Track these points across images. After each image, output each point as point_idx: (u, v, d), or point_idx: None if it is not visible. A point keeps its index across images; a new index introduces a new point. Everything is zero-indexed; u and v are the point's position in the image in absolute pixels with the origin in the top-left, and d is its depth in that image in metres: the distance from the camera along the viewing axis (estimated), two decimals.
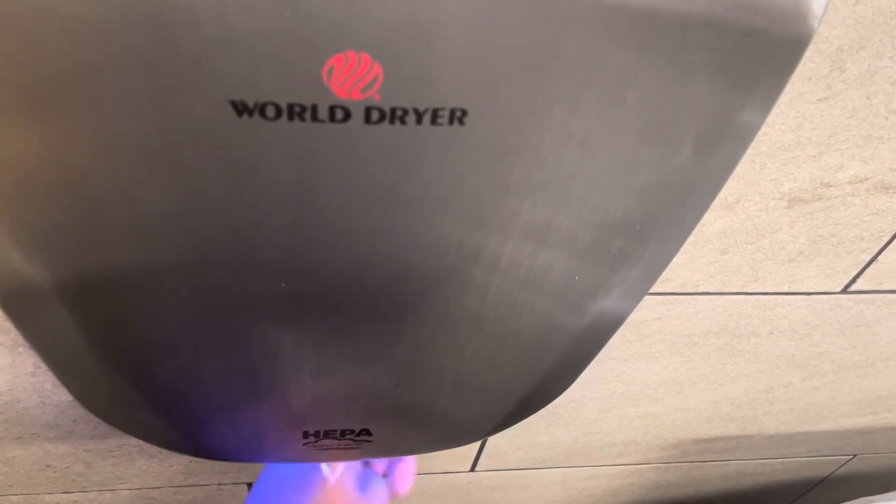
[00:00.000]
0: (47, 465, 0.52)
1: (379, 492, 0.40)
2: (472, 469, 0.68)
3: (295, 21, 0.15)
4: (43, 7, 0.15)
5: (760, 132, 0.28)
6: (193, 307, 0.24)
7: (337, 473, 0.37)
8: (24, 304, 0.22)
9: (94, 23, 0.15)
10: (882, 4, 0.30)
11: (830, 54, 0.32)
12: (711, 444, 0.71)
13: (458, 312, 0.25)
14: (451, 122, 0.18)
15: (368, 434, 0.32)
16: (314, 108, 0.17)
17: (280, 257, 0.21)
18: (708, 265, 0.44)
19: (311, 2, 0.15)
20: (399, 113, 0.18)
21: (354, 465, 0.40)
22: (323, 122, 0.17)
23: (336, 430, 0.32)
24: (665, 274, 0.42)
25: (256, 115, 0.17)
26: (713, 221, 0.41)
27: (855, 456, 0.82)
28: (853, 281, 0.48)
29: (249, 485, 0.61)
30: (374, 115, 0.17)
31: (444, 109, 0.18)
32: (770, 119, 0.34)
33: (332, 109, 0.17)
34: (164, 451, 0.54)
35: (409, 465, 0.42)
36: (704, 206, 0.23)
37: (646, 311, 0.48)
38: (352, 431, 0.32)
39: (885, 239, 0.45)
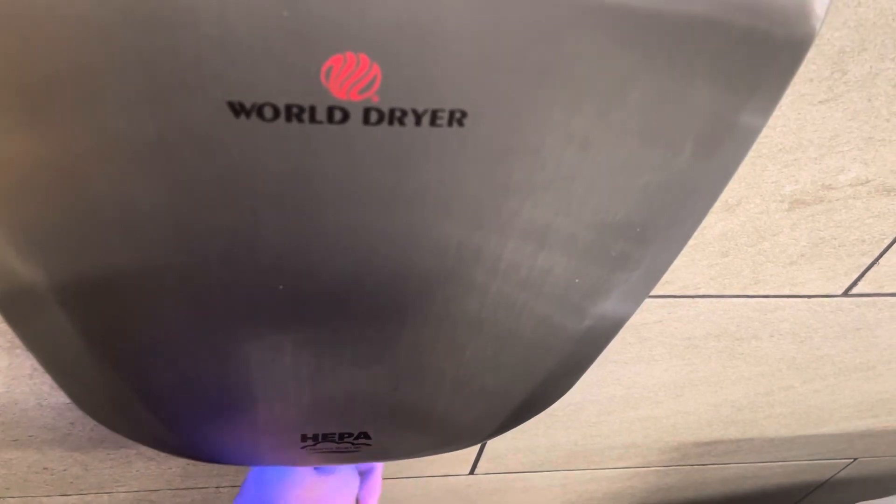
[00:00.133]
0: (44, 468, 0.52)
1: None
2: (472, 472, 0.68)
3: (294, 22, 0.15)
4: (43, 7, 0.14)
5: (761, 134, 0.28)
6: (191, 309, 0.23)
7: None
8: (21, 307, 0.22)
9: (94, 23, 0.15)
10: (884, 6, 0.30)
11: (832, 56, 0.32)
12: (712, 448, 0.71)
13: (458, 314, 0.25)
14: (450, 123, 0.18)
15: (367, 437, 0.32)
16: (312, 109, 0.17)
17: (278, 259, 0.21)
18: (708, 268, 0.44)
19: (310, 2, 0.15)
20: (398, 114, 0.17)
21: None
22: (321, 123, 0.17)
23: (335, 434, 0.31)
24: (665, 276, 0.42)
25: (254, 116, 0.17)
26: (714, 224, 0.41)
27: (855, 459, 0.81)
28: (854, 284, 0.48)
29: None
30: (373, 116, 0.17)
31: (443, 110, 0.18)
32: (771, 121, 0.34)
33: (330, 110, 0.17)
34: (162, 454, 0.54)
35: (377, 480, 0.43)
36: (706, 209, 0.23)
37: (646, 314, 0.48)
38: (350, 435, 0.32)
39: (887, 241, 0.45)
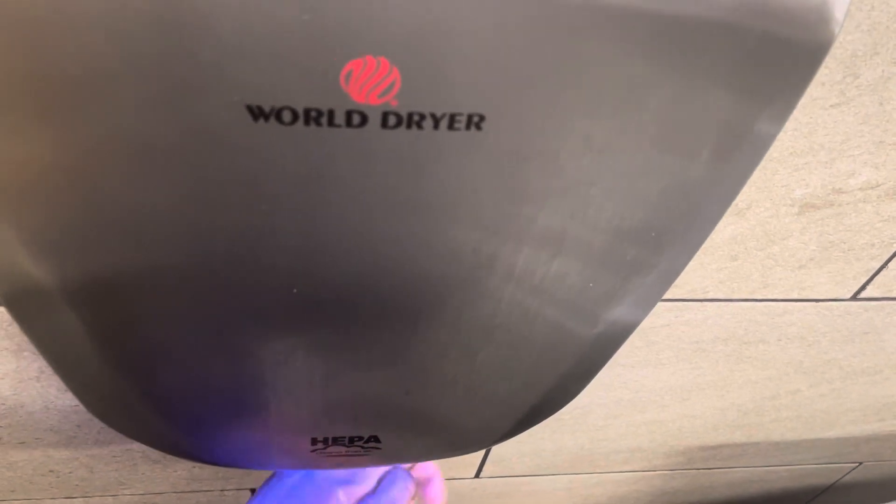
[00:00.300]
0: (50, 470, 0.52)
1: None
2: (477, 475, 0.67)
3: (314, 25, 0.15)
4: (63, 10, 0.14)
5: None
6: (204, 312, 0.23)
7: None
8: (32, 308, 0.22)
9: (112, 26, 0.15)
10: None
11: (844, 60, 0.32)
12: (717, 451, 0.71)
13: (472, 320, 0.25)
14: (468, 127, 0.18)
15: (377, 441, 0.32)
16: (331, 113, 0.17)
17: (293, 262, 0.21)
18: (718, 271, 0.44)
19: (330, 6, 0.15)
20: (416, 118, 0.17)
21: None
22: (339, 126, 0.17)
23: (345, 437, 0.31)
24: (674, 280, 0.42)
25: (272, 120, 0.17)
26: (724, 228, 0.41)
27: (861, 464, 0.81)
28: (863, 288, 0.48)
29: (253, 490, 0.60)
30: (391, 120, 0.17)
31: (461, 115, 0.18)
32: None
33: (348, 114, 0.17)
34: (168, 457, 0.53)
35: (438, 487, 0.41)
36: (720, 213, 0.23)
37: (654, 318, 0.48)
38: (360, 438, 0.32)
39: None
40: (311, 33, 0.15)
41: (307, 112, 0.17)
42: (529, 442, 0.63)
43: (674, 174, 0.21)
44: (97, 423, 0.48)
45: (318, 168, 0.18)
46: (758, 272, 0.45)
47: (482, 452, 0.63)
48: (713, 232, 0.41)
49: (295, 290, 0.22)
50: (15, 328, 0.38)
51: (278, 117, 0.17)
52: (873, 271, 0.47)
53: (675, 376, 0.55)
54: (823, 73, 0.32)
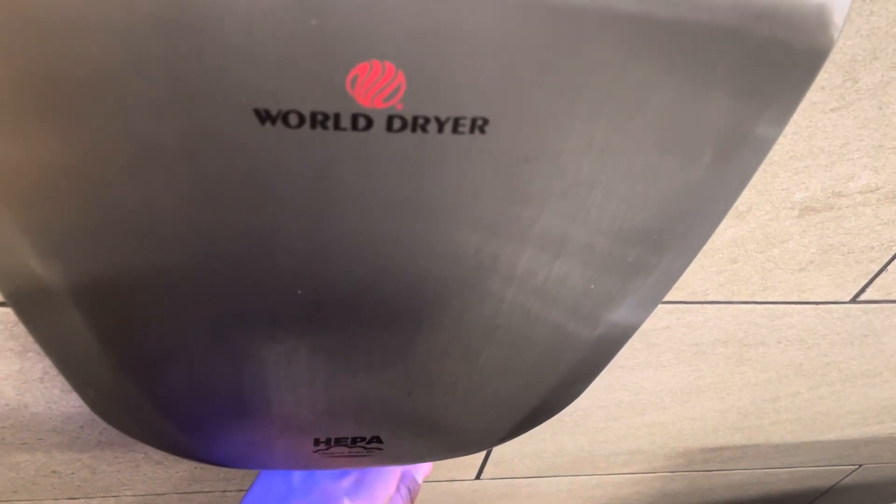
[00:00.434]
0: (53, 471, 0.52)
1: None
2: (478, 477, 0.68)
3: (321, 30, 0.15)
4: (71, 13, 0.15)
5: None
6: (208, 313, 0.24)
7: None
8: (38, 308, 0.22)
9: (120, 28, 0.15)
10: None
11: (844, 64, 0.32)
12: (717, 454, 0.71)
13: (474, 321, 0.25)
14: (471, 130, 0.18)
15: (379, 442, 0.32)
16: (337, 117, 0.17)
17: (299, 264, 0.21)
18: (718, 274, 0.44)
19: (337, 11, 0.15)
20: (421, 121, 0.18)
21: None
22: (345, 130, 0.17)
23: (347, 438, 0.32)
24: (675, 282, 0.42)
25: (279, 123, 0.17)
26: (724, 230, 0.41)
27: (860, 466, 0.81)
28: (862, 290, 0.48)
29: None
30: (396, 124, 0.17)
31: (465, 118, 0.18)
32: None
33: (354, 118, 0.17)
34: (170, 458, 0.54)
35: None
36: (721, 215, 0.23)
37: (655, 320, 0.48)
38: (363, 439, 0.32)
39: (895, 249, 0.45)
40: (318, 38, 0.15)
41: (313, 115, 0.17)
42: (530, 443, 0.63)
43: (675, 177, 0.21)
44: (100, 425, 0.48)
45: (324, 171, 0.18)
46: (758, 275, 0.45)
47: (483, 454, 0.64)
48: (713, 235, 0.41)
49: (300, 292, 0.22)
50: (19, 329, 0.39)
51: (285, 120, 0.17)
52: (873, 274, 0.47)
53: (675, 378, 0.56)
54: (823, 78, 0.32)
